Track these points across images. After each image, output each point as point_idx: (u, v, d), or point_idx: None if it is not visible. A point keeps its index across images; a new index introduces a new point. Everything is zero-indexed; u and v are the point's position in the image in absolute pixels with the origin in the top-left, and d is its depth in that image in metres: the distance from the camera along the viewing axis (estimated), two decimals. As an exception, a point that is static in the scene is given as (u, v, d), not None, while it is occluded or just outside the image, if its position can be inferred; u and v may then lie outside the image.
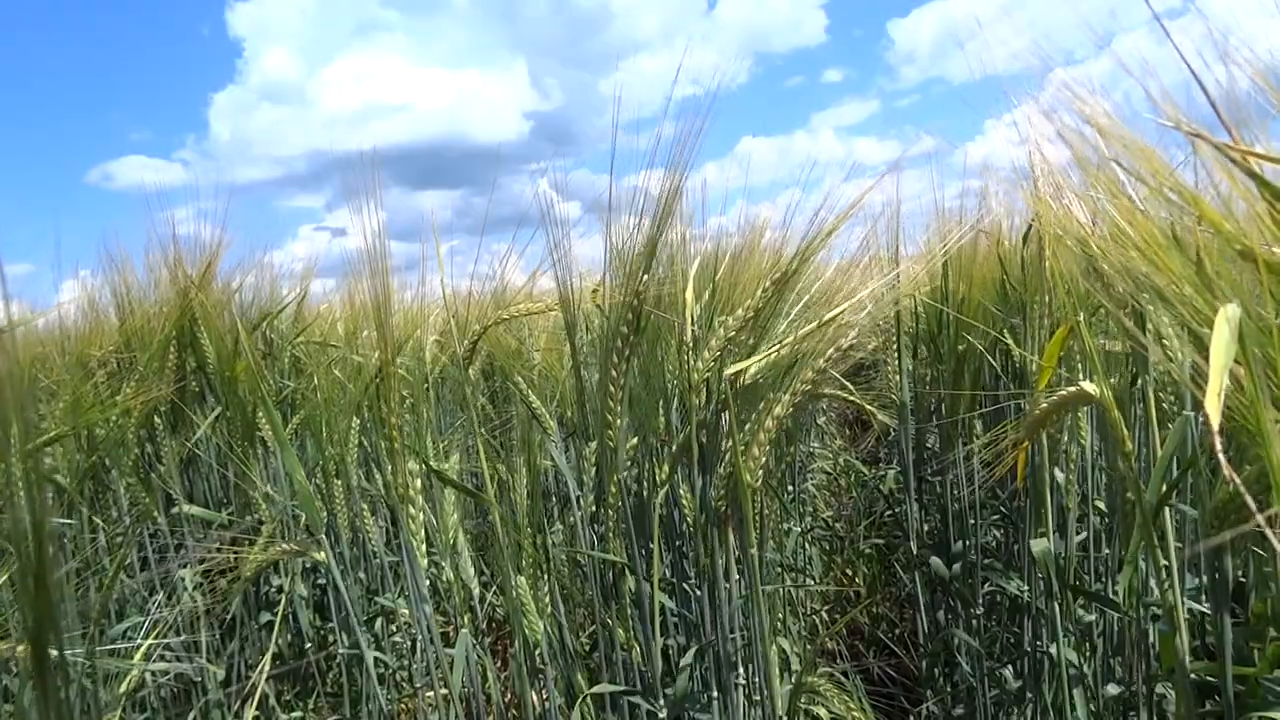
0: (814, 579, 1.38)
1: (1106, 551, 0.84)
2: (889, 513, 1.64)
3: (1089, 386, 0.43)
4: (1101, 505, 0.84)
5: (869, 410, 0.93)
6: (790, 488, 1.18)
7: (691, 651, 0.72)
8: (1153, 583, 0.73)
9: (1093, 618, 0.84)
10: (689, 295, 0.63)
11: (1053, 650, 0.79)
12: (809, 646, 1.11)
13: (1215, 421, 0.22)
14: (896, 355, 0.95)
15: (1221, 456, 0.21)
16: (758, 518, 0.58)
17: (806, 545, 1.35)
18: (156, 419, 1.01)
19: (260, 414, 0.98)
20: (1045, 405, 0.46)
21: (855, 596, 1.55)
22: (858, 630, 1.45)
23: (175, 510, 0.98)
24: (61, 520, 0.88)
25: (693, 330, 0.62)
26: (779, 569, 1.01)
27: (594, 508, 0.75)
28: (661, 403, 0.68)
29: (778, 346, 0.55)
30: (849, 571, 1.62)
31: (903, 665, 1.24)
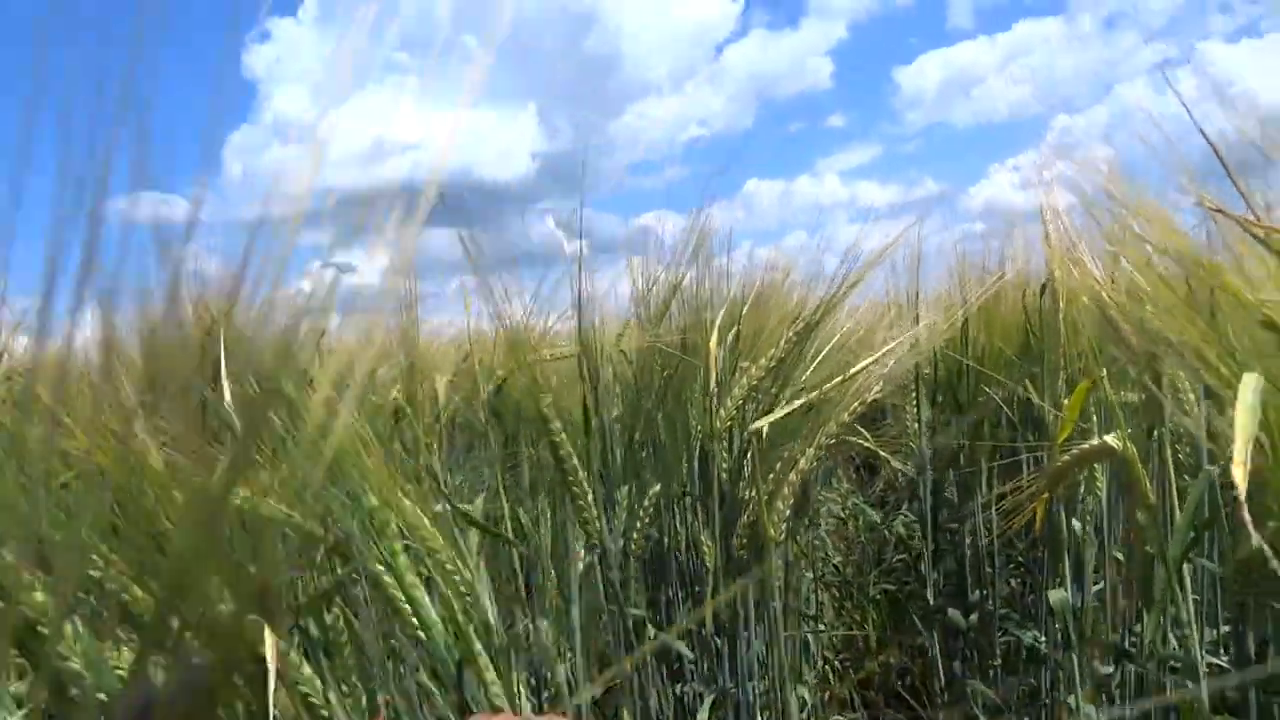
0: (825, 626, 1.37)
1: (1124, 604, 0.84)
2: (899, 558, 1.63)
3: (1112, 441, 0.44)
4: (1120, 556, 0.84)
5: (884, 457, 0.93)
6: (803, 534, 1.18)
7: (709, 700, 0.72)
8: (1171, 636, 0.73)
9: (1110, 670, 0.83)
10: (713, 343, 0.65)
11: (1071, 702, 0.78)
12: (824, 696, 1.10)
13: (1242, 489, 0.22)
14: (915, 404, 0.95)
15: (1250, 525, 0.21)
16: (779, 567, 0.58)
17: (817, 591, 1.34)
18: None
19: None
20: (1066, 459, 0.47)
21: (866, 644, 1.53)
22: (868, 680, 1.43)
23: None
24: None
25: (716, 377, 0.63)
26: (794, 616, 1.01)
27: (621, 555, 0.76)
28: (685, 450, 0.69)
29: (804, 399, 0.56)
30: (859, 618, 1.60)
31: (917, 716, 1.22)
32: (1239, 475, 0.22)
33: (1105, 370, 0.51)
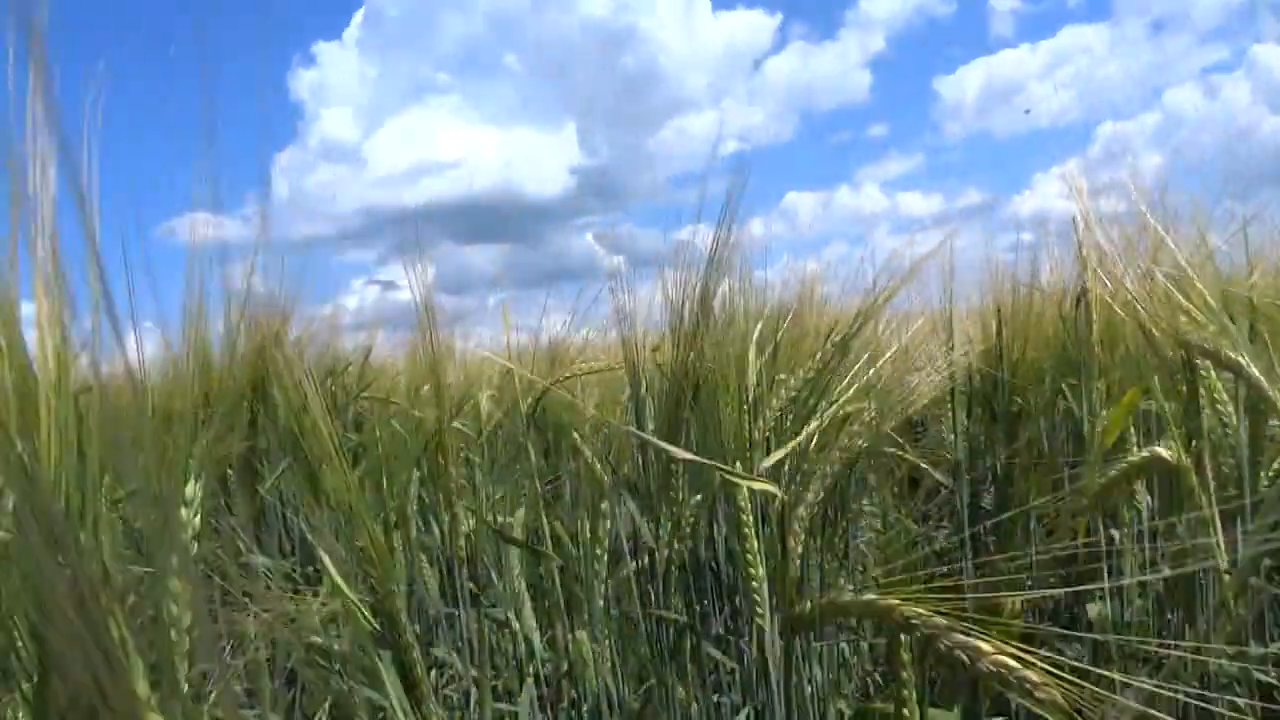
0: (865, 639, 1.36)
1: (1170, 618, 0.83)
2: (941, 570, 1.61)
3: (1164, 452, 0.44)
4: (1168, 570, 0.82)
5: (925, 468, 0.93)
6: (844, 546, 1.17)
7: (744, 713, 0.73)
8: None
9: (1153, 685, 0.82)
10: (750, 355, 0.66)
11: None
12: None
13: None
14: (950, 414, 0.95)
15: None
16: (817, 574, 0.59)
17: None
18: (228, 471, 1.05)
19: (325, 467, 1.02)
20: (1114, 472, 0.47)
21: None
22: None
23: (243, 560, 1.01)
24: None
25: (754, 389, 0.64)
26: (833, 628, 1.00)
27: (663, 565, 0.77)
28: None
29: (843, 409, 0.57)
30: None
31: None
32: None
33: (1139, 381, 0.51)
